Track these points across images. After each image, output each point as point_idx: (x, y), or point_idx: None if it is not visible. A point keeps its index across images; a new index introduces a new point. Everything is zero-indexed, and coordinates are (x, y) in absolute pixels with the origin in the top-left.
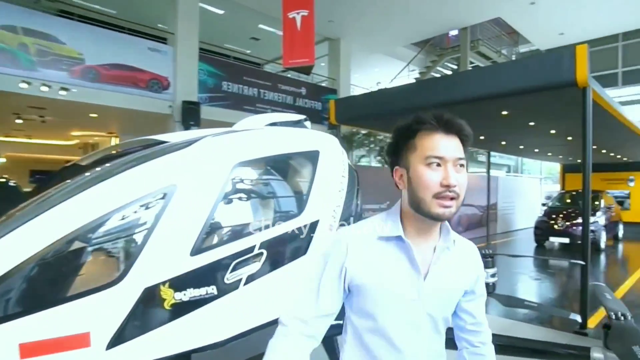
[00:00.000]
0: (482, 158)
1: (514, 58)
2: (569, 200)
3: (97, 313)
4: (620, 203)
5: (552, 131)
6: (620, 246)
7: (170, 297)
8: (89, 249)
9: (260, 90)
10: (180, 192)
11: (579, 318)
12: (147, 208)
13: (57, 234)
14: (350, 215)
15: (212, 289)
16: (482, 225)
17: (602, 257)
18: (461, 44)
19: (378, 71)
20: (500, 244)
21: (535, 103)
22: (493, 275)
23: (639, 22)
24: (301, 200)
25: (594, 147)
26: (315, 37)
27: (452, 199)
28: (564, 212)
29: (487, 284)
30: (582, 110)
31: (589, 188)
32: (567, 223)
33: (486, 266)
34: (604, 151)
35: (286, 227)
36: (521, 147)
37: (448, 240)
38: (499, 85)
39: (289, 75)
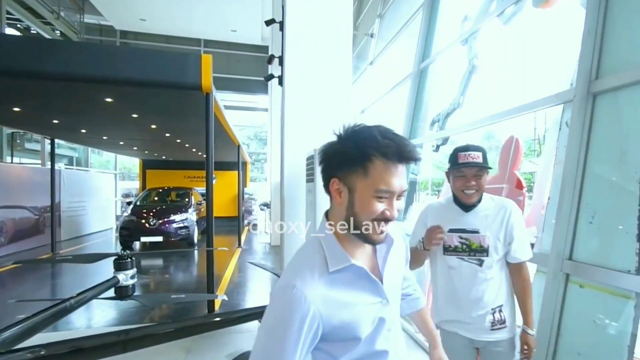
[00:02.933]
0: (36, 146)
1: (76, 26)
2: (157, 198)
3: None
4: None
5: (153, 126)
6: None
7: None
8: None
9: None
10: None
11: (226, 297)
12: None
13: None
14: None
15: None
16: (40, 232)
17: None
18: None
19: None
20: (73, 252)
21: (146, 96)
22: (132, 277)
23: (218, 35)
24: None
25: (187, 145)
26: None
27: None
28: (155, 210)
29: (126, 286)
30: (205, 113)
31: (211, 185)
32: (160, 221)
33: (125, 267)
34: (194, 150)
35: None
36: (105, 137)
37: (392, 238)
38: (116, 70)
39: None
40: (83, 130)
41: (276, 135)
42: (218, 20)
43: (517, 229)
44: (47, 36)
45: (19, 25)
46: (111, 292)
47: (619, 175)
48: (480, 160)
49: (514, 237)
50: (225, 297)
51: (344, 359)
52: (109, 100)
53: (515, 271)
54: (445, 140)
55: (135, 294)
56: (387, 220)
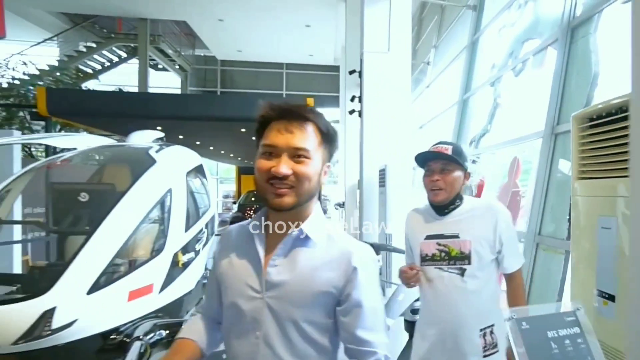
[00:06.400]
0: None
1: (189, 59)
2: (253, 199)
3: (154, 271)
4: None
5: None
6: None
7: (181, 259)
8: (146, 234)
9: None
10: (174, 192)
11: None
12: (162, 206)
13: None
14: None
15: (193, 254)
16: None
17: None
18: (139, 35)
19: None
20: None
21: None
22: None
23: (297, 59)
24: (208, 197)
25: None
26: None
27: (288, 188)
28: (255, 208)
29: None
30: None
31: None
32: None
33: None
34: None
35: (211, 214)
36: (222, 152)
37: (304, 232)
38: (247, 112)
39: None
40: (197, 143)
41: (351, 146)
42: (298, 47)
43: (506, 234)
44: (169, 69)
45: (154, 64)
46: None
47: (565, 185)
48: (448, 152)
49: (503, 243)
50: None
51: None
52: (243, 130)
53: (509, 281)
54: (479, 156)
55: None
56: (275, 178)
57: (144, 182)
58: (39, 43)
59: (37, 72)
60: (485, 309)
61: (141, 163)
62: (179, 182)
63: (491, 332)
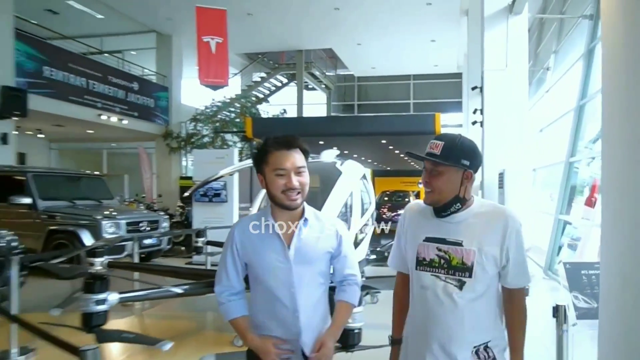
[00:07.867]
0: None
1: (332, 78)
2: (386, 198)
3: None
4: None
5: (391, 147)
6: None
7: (359, 237)
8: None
9: (89, 80)
10: (354, 194)
11: None
12: (346, 203)
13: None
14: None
15: (364, 234)
16: None
17: None
18: (297, 63)
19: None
20: None
21: (400, 137)
22: None
23: (423, 70)
24: (369, 196)
25: (406, 159)
26: (144, 28)
27: (297, 194)
28: (388, 206)
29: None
30: None
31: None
32: (393, 214)
33: None
34: (412, 163)
35: (373, 207)
36: (362, 158)
37: (306, 218)
38: (389, 128)
39: (120, 68)
40: (346, 152)
41: None
42: (424, 60)
43: (514, 249)
44: (317, 88)
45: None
46: None
47: None
48: (436, 152)
49: (510, 259)
50: None
51: (258, 290)
52: (383, 141)
53: (508, 297)
54: (594, 158)
55: None
56: (290, 189)
57: (338, 187)
58: (230, 78)
59: (228, 101)
60: (481, 325)
61: (333, 174)
62: (356, 186)
63: (485, 348)
